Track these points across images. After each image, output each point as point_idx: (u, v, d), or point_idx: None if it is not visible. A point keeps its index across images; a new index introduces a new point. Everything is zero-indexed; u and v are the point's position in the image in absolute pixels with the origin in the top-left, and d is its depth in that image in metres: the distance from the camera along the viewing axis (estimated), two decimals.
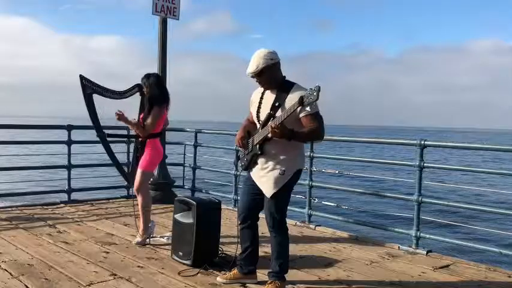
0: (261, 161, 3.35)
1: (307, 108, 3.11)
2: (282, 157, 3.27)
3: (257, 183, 3.39)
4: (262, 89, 3.43)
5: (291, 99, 3.15)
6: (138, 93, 4.98)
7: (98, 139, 5.22)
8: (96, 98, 5.00)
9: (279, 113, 3.20)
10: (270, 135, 3.15)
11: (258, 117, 3.40)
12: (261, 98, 3.40)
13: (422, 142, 4.65)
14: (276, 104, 3.24)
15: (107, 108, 4.97)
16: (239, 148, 3.60)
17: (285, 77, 3.33)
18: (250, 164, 3.43)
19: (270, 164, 3.30)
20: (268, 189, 3.30)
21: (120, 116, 4.66)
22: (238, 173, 3.78)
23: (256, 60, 3.22)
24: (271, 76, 3.27)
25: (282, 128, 3.04)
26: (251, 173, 3.46)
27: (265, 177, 3.32)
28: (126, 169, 6.71)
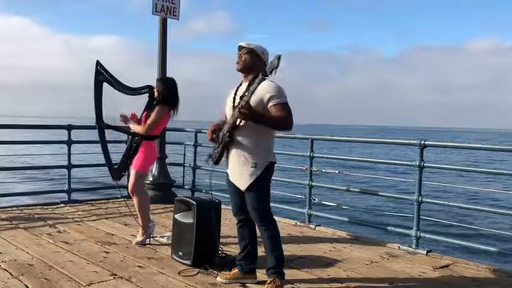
0: (232, 154, 3.39)
1: (276, 98, 3.19)
2: (253, 149, 3.31)
3: (231, 178, 3.46)
4: (234, 89, 3.49)
5: (259, 89, 3.22)
6: (147, 94, 4.97)
7: (97, 139, 5.19)
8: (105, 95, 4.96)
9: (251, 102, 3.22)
10: (237, 117, 3.19)
11: (234, 108, 3.39)
12: (235, 94, 3.46)
13: (422, 142, 4.65)
14: (246, 94, 3.28)
15: (113, 103, 4.92)
16: (210, 143, 3.58)
17: (265, 78, 3.27)
18: (221, 157, 3.46)
19: (242, 157, 3.33)
20: (241, 183, 3.37)
21: (125, 118, 4.76)
22: None
23: (254, 43, 3.40)
24: (251, 62, 3.37)
25: (249, 108, 3.11)
26: (227, 170, 3.50)
27: (238, 171, 3.37)
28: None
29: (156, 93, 4.69)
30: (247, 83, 3.39)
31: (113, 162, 4.92)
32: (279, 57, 3.05)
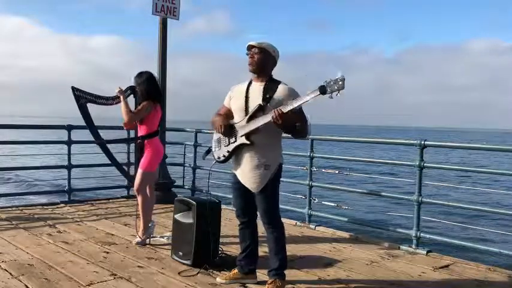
0: (244, 156, 3.34)
1: (294, 105, 3.11)
2: (266, 152, 3.30)
3: (241, 180, 3.40)
4: (246, 84, 3.41)
5: (279, 93, 3.24)
6: (132, 96, 4.98)
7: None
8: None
9: (270, 105, 3.20)
10: (273, 121, 3.09)
11: (246, 108, 3.33)
12: (247, 91, 3.37)
13: (422, 142, 4.65)
14: (267, 96, 3.26)
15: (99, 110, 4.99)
16: (219, 135, 3.48)
17: (272, 75, 3.37)
18: (230, 158, 3.43)
19: (255, 159, 3.30)
20: (253, 185, 3.33)
21: (120, 92, 4.71)
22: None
23: (264, 42, 3.33)
24: (264, 62, 3.31)
25: (288, 117, 3.07)
26: (235, 172, 3.45)
27: (250, 173, 3.33)
28: (126, 169, 6.71)
29: (138, 91, 4.71)
30: (259, 83, 3.33)
31: (121, 162, 4.99)
32: (343, 79, 2.85)
